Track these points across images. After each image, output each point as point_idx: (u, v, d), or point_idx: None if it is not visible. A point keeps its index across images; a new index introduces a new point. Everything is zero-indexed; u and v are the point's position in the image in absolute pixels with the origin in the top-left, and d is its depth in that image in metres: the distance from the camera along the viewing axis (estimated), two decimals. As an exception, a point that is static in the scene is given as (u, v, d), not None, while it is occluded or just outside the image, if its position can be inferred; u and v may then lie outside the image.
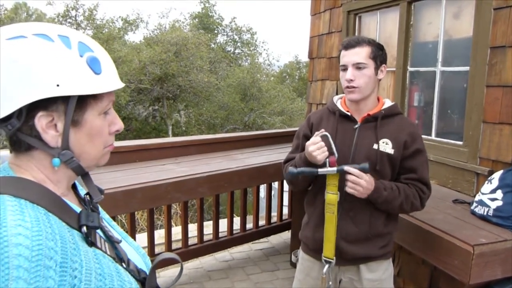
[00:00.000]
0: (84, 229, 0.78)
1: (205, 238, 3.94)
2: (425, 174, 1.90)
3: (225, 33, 29.01)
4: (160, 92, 20.02)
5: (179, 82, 19.75)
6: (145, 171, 3.02)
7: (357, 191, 1.79)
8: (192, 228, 4.50)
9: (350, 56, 1.86)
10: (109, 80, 0.84)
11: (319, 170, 1.82)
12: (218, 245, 4.00)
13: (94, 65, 0.80)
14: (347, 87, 1.87)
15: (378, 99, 1.98)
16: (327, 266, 1.93)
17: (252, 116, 21.76)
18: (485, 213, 2.15)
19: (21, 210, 0.70)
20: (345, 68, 1.88)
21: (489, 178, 2.28)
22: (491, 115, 2.53)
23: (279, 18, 73.08)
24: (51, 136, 0.78)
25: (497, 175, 2.22)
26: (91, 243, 0.79)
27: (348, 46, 1.87)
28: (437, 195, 2.59)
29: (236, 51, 29.25)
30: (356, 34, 3.88)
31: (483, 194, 2.22)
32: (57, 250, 0.69)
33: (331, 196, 1.88)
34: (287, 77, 30.67)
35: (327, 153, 1.80)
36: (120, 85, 0.86)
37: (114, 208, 2.46)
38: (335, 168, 1.80)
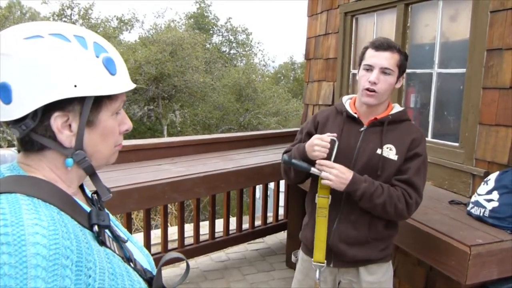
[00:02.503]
0: (96, 228, 0.78)
1: (201, 238, 3.94)
2: (416, 178, 1.82)
3: (220, 34, 29.00)
4: (155, 92, 19.95)
5: (174, 82, 19.70)
6: (141, 171, 3.01)
7: (330, 180, 1.77)
8: (188, 228, 4.49)
9: (380, 59, 1.79)
10: (124, 80, 0.84)
11: (312, 168, 1.82)
12: (214, 245, 4.01)
13: (109, 66, 0.80)
14: (368, 89, 1.81)
15: (388, 104, 1.95)
16: (318, 271, 1.92)
17: (247, 117, 21.74)
18: (481, 214, 2.16)
19: (36, 209, 0.70)
20: (370, 69, 1.82)
21: (485, 180, 2.29)
22: (487, 117, 2.54)
23: (274, 19, 73.17)
24: (66, 136, 0.78)
25: (493, 177, 2.23)
26: (102, 242, 0.78)
27: (379, 47, 1.80)
28: (433, 196, 2.61)
29: (231, 51, 29.23)
30: (353, 35, 3.90)
31: (479, 195, 2.23)
32: (73, 249, 0.69)
33: (323, 199, 1.87)
34: (282, 77, 30.68)
35: (324, 155, 1.79)
36: (133, 85, 0.87)
37: (110, 208, 2.42)
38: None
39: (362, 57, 1.89)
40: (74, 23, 21.18)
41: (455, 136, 2.86)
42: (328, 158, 1.82)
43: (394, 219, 1.91)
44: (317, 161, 1.81)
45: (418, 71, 3.25)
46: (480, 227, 2.10)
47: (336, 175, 1.76)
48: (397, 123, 1.90)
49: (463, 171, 2.68)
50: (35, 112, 0.74)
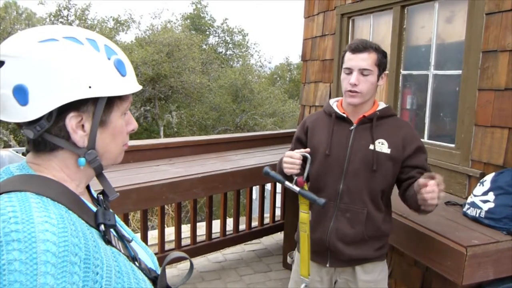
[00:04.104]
0: (102, 227, 0.80)
1: (198, 239, 3.94)
2: (429, 167, 1.92)
3: (216, 35, 29.02)
4: (152, 93, 19.94)
5: (171, 83, 19.70)
6: (140, 171, 3.02)
7: (438, 198, 1.64)
8: (185, 229, 4.50)
9: (357, 61, 1.85)
10: (133, 81, 0.87)
11: (286, 182, 1.86)
12: (211, 246, 4.01)
13: (120, 67, 0.83)
14: (350, 91, 1.87)
15: (374, 102, 2.00)
16: (303, 285, 1.94)
17: (243, 118, 21.75)
18: (477, 215, 2.18)
19: (46, 207, 0.71)
20: (349, 72, 1.88)
21: (481, 181, 2.31)
22: (483, 118, 2.56)
23: (271, 20, 73.19)
24: (80, 136, 0.80)
25: (489, 178, 2.25)
26: (108, 241, 0.80)
27: (355, 50, 1.86)
28: (429, 197, 2.62)
29: (228, 52, 29.25)
30: (350, 37, 3.92)
31: (475, 196, 2.25)
32: (81, 246, 0.70)
33: (303, 215, 1.90)
34: (278, 78, 30.71)
35: (295, 171, 1.83)
36: (140, 86, 0.90)
37: (109, 208, 2.46)
38: (297, 188, 1.83)
39: (342, 61, 1.95)
40: (70, 23, 21.13)
41: (451, 137, 2.88)
42: (301, 174, 1.85)
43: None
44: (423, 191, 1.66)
45: (414, 72, 3.27)
46: (476, 228, 2.12)
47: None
48: (385, 118, 1.95)
49: (459, 172, 2.70)
50: (50, 113, 0.76)
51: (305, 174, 1.85)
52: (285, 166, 1.84)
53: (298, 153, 1.84)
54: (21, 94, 0.74)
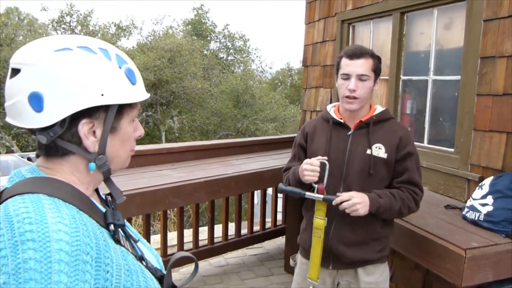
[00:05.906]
0: (112, 227, 0.83)
1: (200, 243, 3.96)
2: (416, 176, 1.94)
3: (218, 40, 29.08)
4: (154, 98, 19.99)
5: (172, 88, 19.76)
6: (143, 176, 3.05)
7: (358, 209, 1.81)
8: (187, 234, 4.52)
9: (355, 67, 1.88)
10: (142, 89, 0.90)
11: (306, 193, 1.90)
12: (213, 250, 4.03)
13: (131, 76, 0.87)
14: (348, 97, 1.90)
15: (370, 106, 2.04)
16: (312, 287, 1.99)
17: (245, 123, 21.77)
18: (476, 218, 2.21)
19: (58, 208, 0.74)
20: (347, 78, 1.91)
21: (480, 184, 2.34)
22: (481, 123, 2.59)
23: (272, 26, 73.47)
24: (91, 142, 0.83)
25: (487, 181, 2.28)
26: (117, 241, 0.83)
27: (353, 56, 1.89)
28: (429, 201, 2.65)
29: (229, 57, 29.30)
30: (350, 43, 3.96)
31: (474, 199, 2.28)
32: (92, 246, 0.73)
33: (319, 221, 1.93)
34: (279, 84, 30.74)
35: (315, 178, 1.86)
36: (148, 94, 0.93)
37: (113, 213, 2.48)
38: (321, 196, 1.88)
39: (338, 67, 1.97)
40: (73, 29, 21.24)
41: (450, 141, 2.91)
42: (320, 181, 1.88)
43: (405, 216, 2.05)
44: (337, 199, 1.85)
45: (414, 78, 3.30)
46: (475, 231, 2.15)
47: (360, 201, 1.82)
48: (382, 122, 1.99)
49: (458, 176, 2.73)
50: (63, 120, 0.79)
51: (325, 181, 1.90)
52: (306, 173, 1.86)
53: (317, 160, 1.87)
54: (36, 101, 0.77)
